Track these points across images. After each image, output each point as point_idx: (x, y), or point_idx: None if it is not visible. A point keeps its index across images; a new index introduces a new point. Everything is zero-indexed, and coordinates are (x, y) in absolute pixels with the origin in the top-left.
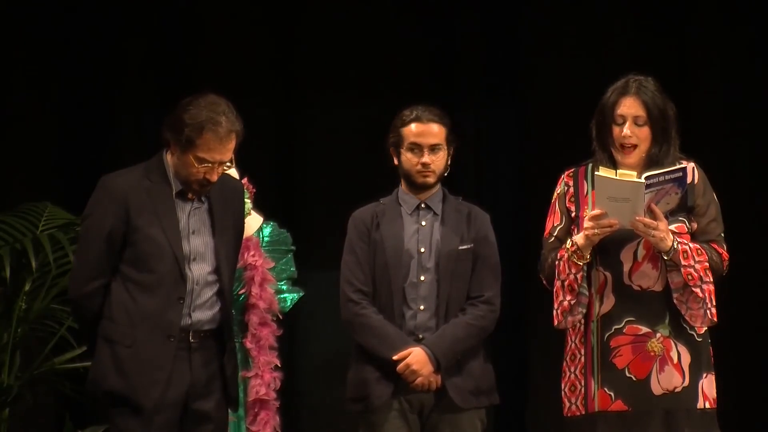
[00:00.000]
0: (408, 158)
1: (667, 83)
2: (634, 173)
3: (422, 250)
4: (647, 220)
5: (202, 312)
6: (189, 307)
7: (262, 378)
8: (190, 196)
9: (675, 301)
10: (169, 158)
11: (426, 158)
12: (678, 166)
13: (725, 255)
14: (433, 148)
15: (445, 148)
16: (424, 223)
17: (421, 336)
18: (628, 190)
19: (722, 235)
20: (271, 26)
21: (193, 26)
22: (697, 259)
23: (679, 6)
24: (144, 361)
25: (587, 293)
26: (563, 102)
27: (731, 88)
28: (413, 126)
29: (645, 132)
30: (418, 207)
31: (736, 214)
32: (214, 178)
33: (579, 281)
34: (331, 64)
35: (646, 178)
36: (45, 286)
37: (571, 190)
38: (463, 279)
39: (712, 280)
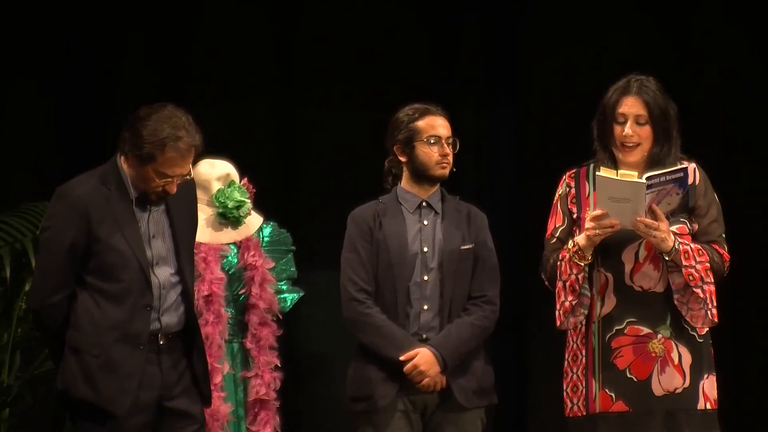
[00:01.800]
0: (426, 151)
1: (668, 83)
2: (635, 173)
3: (425, 249)
4: (648, 220)
5: (170, 315)
6: (158, 312)
7: (262, 378)
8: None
9: (676, 301)
10: (123, 164)
11: (447, 149)
12: (679, 167)
13: (726, 256)
14: (449, 140)
15: (455, 141)
16: (426, 222)
17: (425, 336)
18: (629, 191)
19: (723, 235)
20: (271, 26)
21: (193, 26)
22: (698, 259)
23: (680, 6)
24: (113, 371)
25: (589, 294)
26: (563, 102)
27: (731, 87)
28: (428, 119)
29: (646, 131)
30: (419, 206)
31: (736, 214)
32: (174, 190)
33: (580, 282)
34: (331, 64)
35: (647, 178)
36: None
37: (573, 191)
38: (465, 278)
39: (713, 280)
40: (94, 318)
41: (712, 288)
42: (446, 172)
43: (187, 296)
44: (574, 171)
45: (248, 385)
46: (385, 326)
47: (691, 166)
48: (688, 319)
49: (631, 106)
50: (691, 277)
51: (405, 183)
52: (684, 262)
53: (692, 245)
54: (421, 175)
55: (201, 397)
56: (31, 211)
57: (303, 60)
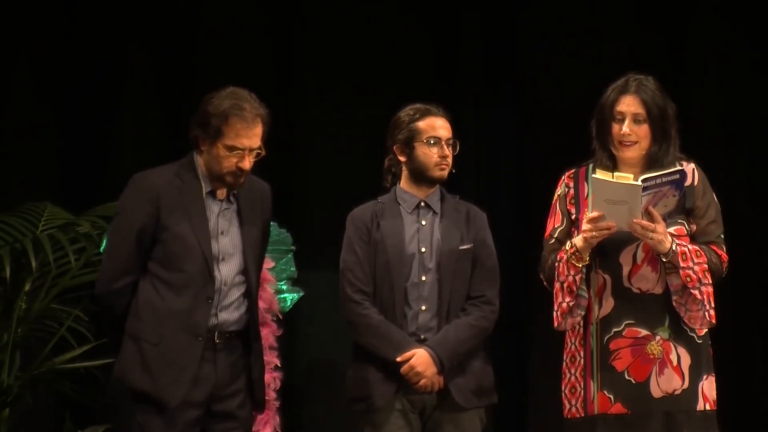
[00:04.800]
0: (426, 152)
1: (668, 83)
2: (631, 176)
3: (423, 249)
4: (645, 222)
5: (229, 313)
6: (216, 308)
7: None
8: (220, 196)
9: (674, 303)
10: (199, 159)
11: (446, 151)
12: (676, 168)
13: (724, 256)
14: (449, 141)
15: (455, 142)
16: (424, 222)
17: (423, 336)
18: (624, 193)
19: (722, 236)
20: (270, 25)
21: (193, 26)
22: (696, 261)
23: (680, 6)
24: (170, 360)
25: (587, 295)
26: (563, 102)
27: (731, 88)
28: (429, 120)
29: (644, 130)
30: (418, 206)
31: (736, 214)
32: (247, 166)
33: (578, 283)
34: (331, 64)
35: (643, 180)
36: (45, 286)
37: (572, 191)
38: (463, 278)
39: (711, 281)
40: (156, 307)
41: (710, 289)
42: (445, 173)
43: (250, 296)
44: (573, 171)
45: None
46: (383, 327)
47: (690, 167)
48: (686, 321)
49: (629, 104)
50: (688, 279)
51: (404, 183)
52: (681, 264)
53: (690, 246)
54: (420, 175)
55: (253, 401)
56: (31, 211)
57: (303, 60)
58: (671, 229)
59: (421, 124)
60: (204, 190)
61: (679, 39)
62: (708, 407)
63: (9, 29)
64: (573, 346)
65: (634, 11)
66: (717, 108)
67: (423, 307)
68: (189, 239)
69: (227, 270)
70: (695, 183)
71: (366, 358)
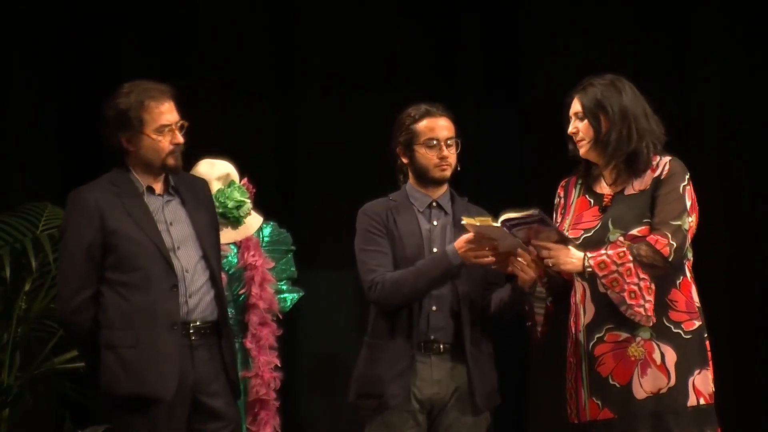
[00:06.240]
0: (424, 154)
1: (668, 83)
2: (490, 218)
3: (435, 250)
4: (543, 252)
5: (199, 297)
6: (185, 295)
7: (262, 378)
8: (158, 191)
9: (626, 315)
10: (129, 161)
11: (445, 152)
12: (530, 212)
13: (662, 241)
14: (448, 142)
15: (456, 141)
16: (435, 222)
17: (433, 337)
18: (493, 233)
19: (675, 223)
20: (271, 25)
21: (193, 26)
22: (618, 263)
23: (680, 6)
24: (152, 357)
25: (542, 312)
26: (563, 102)
27: (731, 88)
28: (427, 121)
29: (585, 125)
30: (429, 206)
31: (736, 213)
32: (180, 138)
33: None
34: (332, 63)
35: (503, 222)
36: (45, 286)
37: (562, 201)
38: (476, 278)
39: (644, 276)
40: (123, 311)
41: (643, 284)
42: (446, 173)
43: (215, 282)
44: (566, 180)
45: (248, 385)
46: (407, 269)
47: (665, 159)
48: (636, 320)
49: (572, 106)
50: (615, 283)
51: (414, 182)
52: (600, 274)
53: (611, 251)
54: (423, 176)
55: (231, 387)
56: (31, 211)
57: (303, 60)
58: (635, 230)
59: (420, 126)
60: (141, 188)
61: (679, 39)
62: (702, 402)
63: (9, 29)
64: (569, 352)
65: (634, 11)
66: (717, 109)
67: (434, 308)
68: (138, 236)
69: (186, 257)
70: (662, 176)
71: (377, 356)
